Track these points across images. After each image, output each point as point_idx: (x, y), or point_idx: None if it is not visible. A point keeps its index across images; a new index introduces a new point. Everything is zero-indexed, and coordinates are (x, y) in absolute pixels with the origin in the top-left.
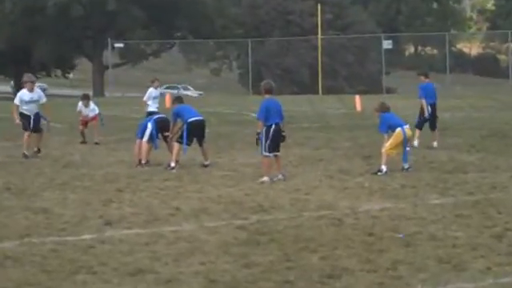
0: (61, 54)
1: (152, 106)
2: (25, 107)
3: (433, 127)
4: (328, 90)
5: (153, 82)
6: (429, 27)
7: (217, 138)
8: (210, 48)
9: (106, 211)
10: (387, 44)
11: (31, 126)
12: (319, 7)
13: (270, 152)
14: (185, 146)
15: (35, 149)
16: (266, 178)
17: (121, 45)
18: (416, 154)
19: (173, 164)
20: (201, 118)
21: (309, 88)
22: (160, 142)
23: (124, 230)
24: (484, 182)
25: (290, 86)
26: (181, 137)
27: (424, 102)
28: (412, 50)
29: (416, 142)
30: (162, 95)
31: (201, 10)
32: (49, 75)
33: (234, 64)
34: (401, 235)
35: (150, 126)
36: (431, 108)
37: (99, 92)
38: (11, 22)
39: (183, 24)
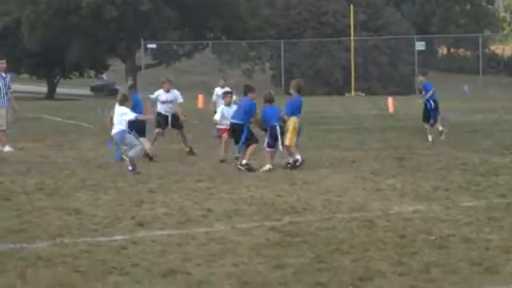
0: (94, 54)
1: None
2: (161, 107)
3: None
4: (361, 91)
5: None
6: (462, 29)
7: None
8: (242, 49)
9: (138, 212)
10: (420, 45)
11: (168, 122)
12: (352, 8)
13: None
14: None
15: (187, 149)
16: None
17: (154, 45)
18: (448, 155)
19: (244, 161)
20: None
21: (341, 89)
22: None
23: (156, 231)
24: None
25: (323, 87)
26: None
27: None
28: (445, 51)
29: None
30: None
31: (234, 10)
32: (82, 76)
33: (267, 65)
34: (433, 237)
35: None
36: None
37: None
38: (45, 22)
39: (216, 25)
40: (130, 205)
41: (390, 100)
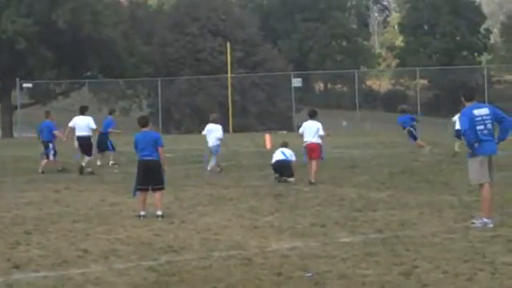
0: None
1: None
2: None
3: None
4: (239, 128)
5: None
6: (339, 64)
7: (128, 178)
8: (119, 87)
9: (13, 254)
10: (297, 82)
11: None
12: (228, 45)
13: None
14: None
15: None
16: None
17: (30, 85)
18: (326, 191)
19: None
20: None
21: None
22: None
23: (32, 273)
24: (393, 220)
25: (201, 125)
26: None
27: None
28: (322, 87)
29: None
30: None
31: (111, 49)
32: None
33: (144, 103)
34: (309, 274)
35: None
36: None
37: (8, 133)
38: None
39: (93, 63)
40: (5, 246)
41: (267, 136)
